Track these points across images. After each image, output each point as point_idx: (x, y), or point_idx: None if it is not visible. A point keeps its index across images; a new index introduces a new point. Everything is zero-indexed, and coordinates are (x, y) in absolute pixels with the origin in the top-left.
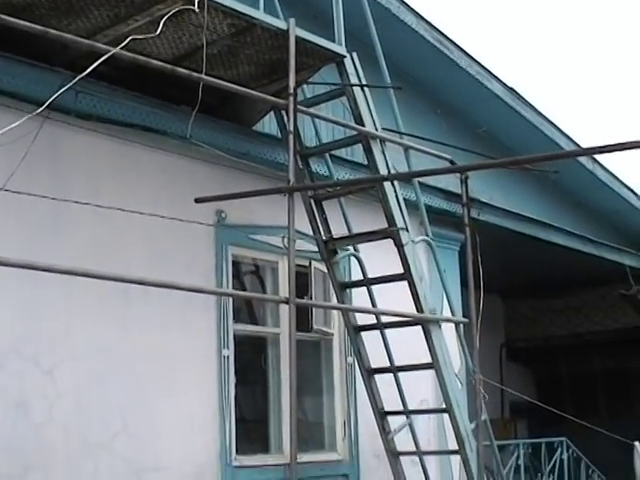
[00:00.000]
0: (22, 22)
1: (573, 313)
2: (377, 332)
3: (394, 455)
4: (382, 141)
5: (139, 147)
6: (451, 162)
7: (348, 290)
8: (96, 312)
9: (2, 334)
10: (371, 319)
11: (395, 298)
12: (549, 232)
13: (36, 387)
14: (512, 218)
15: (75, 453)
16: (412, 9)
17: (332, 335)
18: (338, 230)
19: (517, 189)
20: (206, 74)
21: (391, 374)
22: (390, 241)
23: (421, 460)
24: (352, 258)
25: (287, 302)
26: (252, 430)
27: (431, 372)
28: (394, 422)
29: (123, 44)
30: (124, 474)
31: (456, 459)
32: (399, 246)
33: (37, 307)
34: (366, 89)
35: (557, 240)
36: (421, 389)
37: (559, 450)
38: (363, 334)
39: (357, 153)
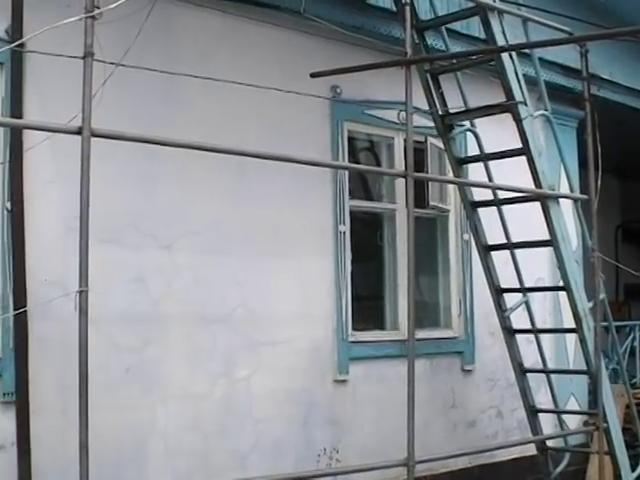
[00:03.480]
0: None
1: None
2: (493, 208)
3: (510, 333)
4: (500, 13)
5: (252, 22)
6: (570, 35)
7: (464, 166)
8: (211, 187)
9: (120, 209)
10: (488, 195)
11: (511, 174)
12: None
13: (154, 262)
14: (633, 95)
15: (193, 327)
16: None
17: (448, 212)
18: (454, 105)
19: (638, 65)
20: None
21: (507, 251)
22: (507, 116)
23: (537, 338)
24: (468, 133)
25: (405, 176)
26: (367, 307)
27: (547, 251)
28: (510, 300)
29: None
30: (241, 348)
31: (571, 338)
32: (517, 120)
33: (153, 182)
34: None
35: None
36: (537, 267)
37: None
38: (480, 210)
39: (473, 27)
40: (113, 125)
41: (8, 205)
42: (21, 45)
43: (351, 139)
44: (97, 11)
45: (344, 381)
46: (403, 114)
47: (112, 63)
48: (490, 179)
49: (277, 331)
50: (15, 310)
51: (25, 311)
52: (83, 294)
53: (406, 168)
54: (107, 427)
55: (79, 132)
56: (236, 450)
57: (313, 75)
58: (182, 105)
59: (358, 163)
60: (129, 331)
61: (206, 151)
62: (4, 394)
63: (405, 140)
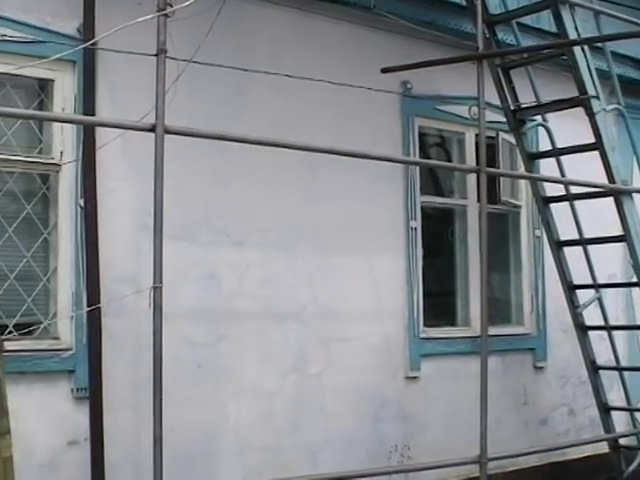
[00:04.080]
0: None
1: None
2: (566, 204)
3: (582, 329)
4: (572, 6)
5: (322, 18)
6: None
7: (536, 161)
8: (283, 184)
9: (192, 206)
10: (560, 190)
11: (583, 170)
12: None
13: (226, 258)
14: None
15: (264, 323)
16: None
17: (520, 207)
18: (526, 100)
19: None
20: None
21: (580, 247)
22: (579, 111)
23: (610, 335)
24: (540, 128)
25: (478, 171)
26: (438, 303)
27: (619, 246)
28: (582, 297)
29: None
30: (312, 344)
31: None
32: (590, 114)
33: (224, 179)
34: None
35: None
36: (609, 263)
37: None
38: (552, 206)
39: (543, 20)
40: (185, 122)
41: (81, 202)
42: (93, 43)
43: (422, 135)
44: (170, 9)
45: (415, 378)
46: (474, 109)
47: (185, 60)
48: (562, 174)
49: (348, 327)
50: (88, 306)
51: (98, 307)
52: (157, 290)
53: (478, 163)
54: (179, 422)
55: (152, 129)
56: (307, 446)
57: (384, 71)
58: (253, 102)
59: (429, 159)
60: (201, 327)
61: (278, 147)
62: (77, 389)
63: (476, 135)
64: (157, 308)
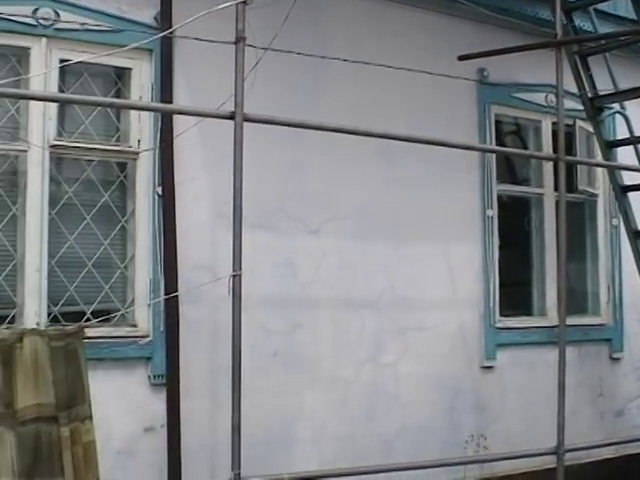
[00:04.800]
0: None
1: None
2: None
3: None
4: None
5: (398, 6)
6: None
7: (614, 149)
8: (359, 172)
9: (269, 194)
10: (638, 179)
11: None
12: None
13: (302, 246)
14: None
15: (340, 311)
16: None
17: (597, 196)
18: (603, 87)
19: None
20: None
21: None
22: None
23: None
24: (618, 116)
25: (556, 159)
26: (514, 292)
27: None
28: None
29: None
30: (389, 333)
31: None
32: None
33: (301, 167)
34: None
35: None
36: None
37: None
38: (630, 194)
39: (620, 6)
40: (261, 110)
41: (159, 190)
42: (171, 32)
43: (497, 122)
44: None
45: (491, 367)
46: (551, 97)
47: (263, 48)
48: None
49: (424, 316)
50: (166, 294)
51: (176, 295)
52: (236, 278)
53: (556, 151)
54: (255, 410)
55: (232, 117)
56: (382, 435)
57: (461, 58)
58: (330, 90)
59: (504, 147)
60: (277, 315)
61: (355, 135)
62: (154, 376)
63: (553, 123)
64: (236, 296)
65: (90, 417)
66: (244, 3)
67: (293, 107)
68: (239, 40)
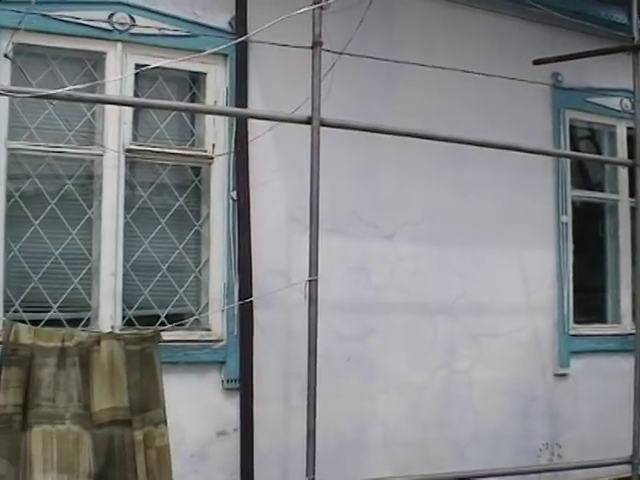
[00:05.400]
0: None
1: None
2: None
3: None
4: None
5: (472, 10)
6: None
7: None
8: (432, 176)
9: (343, 199)
10: None
11: None
12: None
13: (376, 251)
14: None
15: (413, 317)
16: None
17: None
18: None
19: None
20: None
21: None
22: None
23: None
24: None
25: (632, 165)
26: (588, 299)
27: None
28: None
29: None
30: (462, 339)
31: None
32: None
33: (375, 171)
34: None
35: None
36: None
37: None
38: None
39: None
40: (335, 114)
41: (234, 194)
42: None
43: (572, 127)
44: (325, 2)
45: (565, 375)
46: (626, 102)
47: (339, 53)
48: None
49: (498, 322)
50: (240, 298)
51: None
52: (313, 283)
53: (632, 157)
54: (328, 414)
55: (309, 122)
56: (454, 441)
57: (536, 62)
58: (403, 94)
59: (579, 152)
60: (351, 320)
61: (430, 140)
62: (228, 380)
63: (629, 128)
64: (312, 301)
65: (164, 421)
66: (321, 8)
67: (365, 111)
68: (316, 45)
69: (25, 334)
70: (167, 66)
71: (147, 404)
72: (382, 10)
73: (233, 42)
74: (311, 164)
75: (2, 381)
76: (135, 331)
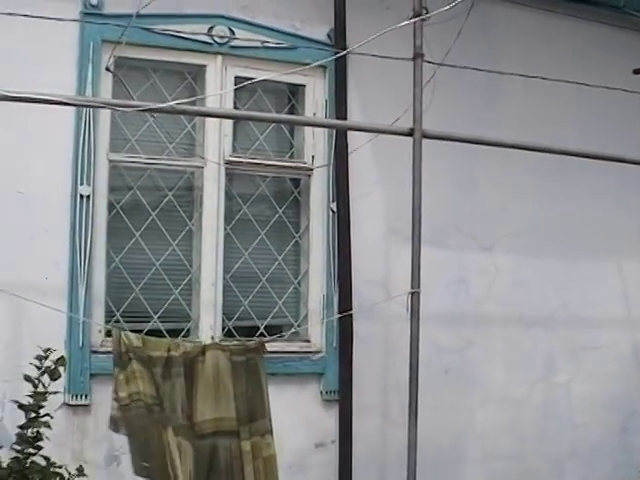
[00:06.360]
0: None
1: None
2: None
3: None
4: None
5: (571, 19)
6: None
7: None
8: (532, 188)
9: (442, 210)
10: None
11: None
12: None
13: (475, 263)
14: None
15: (512, 329)
16: None
17: None
18: None
19: None
20: None
21: None
22: None
23: None
24: None
25: None
26: None
27: None
28: None
29: None
30: (561, 351)
31: None
32: None
33: (474, 182)
34: None
35: None
36: None
37: None
38: None
39: None
40: (435, 125)
41: (333, 206)
42: (345, 49)
43: None
44: (426, 15)
45: None
46: None
47: (439, 64)
48: None
49: (597, 335)
50: (340, 310)
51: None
52: (415, 295)
53: None
54: (427, 427)
55: (410, 133)
56: (553, 455)
57: (636, 72)
58: (502, 104)
59: None
60: (450, 332)
61: (534, 151)
62: (327, 392)
63: None
64: (414, 313)
65: (270, 431)
66: (422, 20)
67: (464, 122)
68: (417, 56)
69: (135, 340)
70: (269, 78)
71: (254, 414)
72: (480, 21)
73: (336, 56)
74: (413, 176)
75: (128, 373)
76: (239, 342)
